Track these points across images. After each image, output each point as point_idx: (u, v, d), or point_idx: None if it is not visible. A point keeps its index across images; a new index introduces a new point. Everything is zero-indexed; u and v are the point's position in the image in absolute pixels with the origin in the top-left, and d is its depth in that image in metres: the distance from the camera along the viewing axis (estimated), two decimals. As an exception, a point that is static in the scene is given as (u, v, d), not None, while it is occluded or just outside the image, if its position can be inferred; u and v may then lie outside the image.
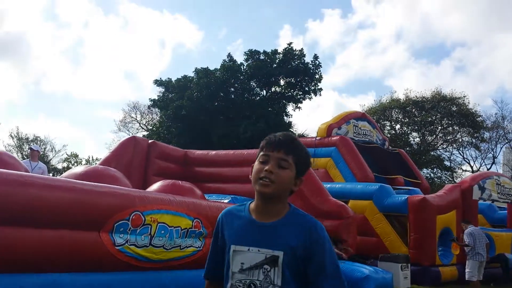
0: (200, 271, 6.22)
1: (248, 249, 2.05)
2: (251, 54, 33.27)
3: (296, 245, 2.03)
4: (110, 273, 5.42)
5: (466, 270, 10.86)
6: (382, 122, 42.07)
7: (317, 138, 17.59)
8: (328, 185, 13.36)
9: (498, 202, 15.65)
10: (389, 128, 43.11)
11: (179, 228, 6.15)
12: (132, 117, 45.85)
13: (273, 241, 2.04)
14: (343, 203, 10.55)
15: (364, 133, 18.72)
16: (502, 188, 14.68)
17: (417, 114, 41.33)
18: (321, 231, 2.10)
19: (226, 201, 10.02)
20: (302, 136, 32.17)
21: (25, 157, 44.78)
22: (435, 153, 43.49)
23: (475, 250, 10.72)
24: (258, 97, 33.79)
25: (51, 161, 46.19)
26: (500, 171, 39.23)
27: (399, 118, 42.66)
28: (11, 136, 47.64)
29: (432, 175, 42.65)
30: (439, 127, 42.28)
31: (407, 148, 38.95)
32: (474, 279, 10.65)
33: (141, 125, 45.88)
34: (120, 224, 5.47)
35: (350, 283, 8.50)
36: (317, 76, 33.46)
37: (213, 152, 13.07)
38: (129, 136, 12.64)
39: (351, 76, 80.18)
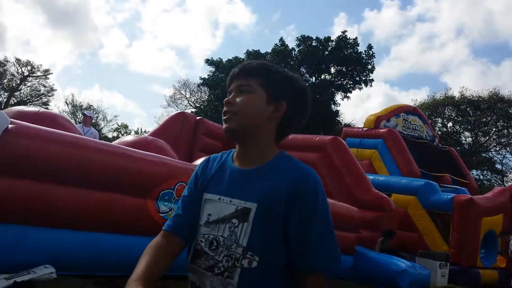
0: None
1: (219, 199, 1.65)
2: (303, 40, 32.98)
3: (275, 197, 1.55)
4: (151, 238, 5.61)
5: None
6: (434, 119, 40.75)
7: (364, 128, 17.32)
8: (371, 177, 13.20)
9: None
10: (440, 125, 41.73)
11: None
12: (182, 94, 46.69)
13: (247, 190, 1.60)
14: (385, 195, 10.41)
15: (414, 128, 18.26)
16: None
17: (471, 113, 39.74)
18: (315, 183, 1.57)
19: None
20: (348, 125, 31.74)
21: (79, 123, 46.78)
22: (486, 155, 41.79)
23: None
24: (307, 84, 33.38)
25: (102, 129, 47.85)
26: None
27: (452, 116, 41.17)
28: (66, 102, 49.72)
29: (481, 177, 41.09)
30: (494, 129, 40.49)
31: (458, 148, 37.61)
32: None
33: (189, 102, 46.66)
34: (166, 193, 5.66)
35: (385, 276, 8.43)
36: (369, 67, 32.80)
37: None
38: (178, 111, 12.92)
39: (405, 69, 77.92)
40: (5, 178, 4.33)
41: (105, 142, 7.27)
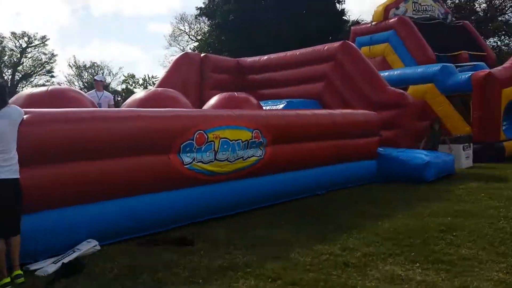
0: (264, 177, 6.62)
1: None
2: None
3: None
4: (183, 190, 5.95)
5: None
6: (444, -9, 38.69)
7: (373, 23, 16.75)
8: (386, 73, 13.05)
9: None
10: (452, -4, 39.65)
11: (240, 140, 6.49)
12: (181, 29, 45.57)
13: None
14: (401, 91, 10.36)
15: (425, 9, 17.45)
16: None
17: (482, -24, 37.38)
18: None
19: (281, 106, 10.22)
20: (357, 23, 30.62)
21: (85, 84, 46.88)
22: (503, 18, 39.86)
23: None
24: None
25: (110, 84, 47.95)
26: None
27: (462, -17, 38.90)
28: (69, 65, 49.58)
29: (499, 43, 39.56)
30: (509, -13, 38.25)
31: (472, 17, 35.95)
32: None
33: (190, 36, 45.63)
34: (186, 144, 5.86)
35: (410, 171, 8.66)
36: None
37: (265, 56, 13.01)
38: (181, 54, 12.82)
39: None
40: (33, 168, 4.50)
41: (119, 109, 7.42)
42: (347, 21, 32.64)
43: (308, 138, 7.70)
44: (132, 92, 34.24)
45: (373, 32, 16.51)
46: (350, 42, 11.73)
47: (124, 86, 49.65)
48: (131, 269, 4.31)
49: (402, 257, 4.45)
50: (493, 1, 38.90)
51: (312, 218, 6.26)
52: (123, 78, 51.27)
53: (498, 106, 11.59)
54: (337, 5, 31.62)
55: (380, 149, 9.28)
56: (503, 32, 38.81)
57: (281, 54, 12.60)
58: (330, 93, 11.07)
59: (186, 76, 12.15)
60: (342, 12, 31.82)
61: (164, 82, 11.65)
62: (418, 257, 4.42)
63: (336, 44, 11.27)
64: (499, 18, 39.14)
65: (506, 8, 39.73)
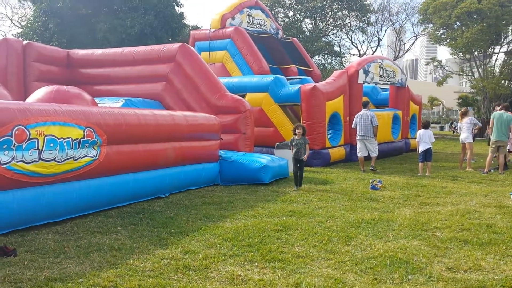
0: (99, 179, 6.13)
1: None
2: None
3: None
4: (2, 192, 5.11)
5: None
6: (276, 10, 41.85)
7: (211, 30, 17.07)
8: (225, 80, 13.41)
9: (380, 84, 16.98)
10: (282, 15, 43.14)
11: (70, 139, 5.85)
12: (2, 13, 40.36)
13: None
14: (240, 98, 10.70)
15: (258, 23, 18.50)
16: (385, 71, 15.83)
17: (309, 0, 41.54)
18: None
19: (119, 104, 9.64)
20: (196, 28, 31.05)
21: None
22: (326, 39, 45.04)
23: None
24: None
25: None
26: (385, 53, 42.13)
27: (292, 4, 42.64)
28: None
29: (323, 61, 44.58)
30: (330, 12, 43.28)
31: (300, 36, 39.69)
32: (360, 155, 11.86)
33: (13, 22, 40.76)
34: (3, 141, 5.05)
35: (249, 174, 9.00)
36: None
37: (99, 51, 12.13)
38: (-1, 38, 11.20)
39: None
40: None
41: None
42: (187, 25, 32.87)
43: (148, 139, 7.36)
44: None
45: (212, 38, 16.85)
46: (189, 45, 11.69)
47: None
48: None
49: (241, 257, 4.51)
50: (318, 23, 43.57)
51: (153, 221, 5.98)
52: None
53: (323, 117, 12.83)
54: (176, 8, 31.62)
55: (221, 152, 9.43)
56: (326, 52, 43.77)
57: (118, 50, 11.89)
58: (171, 94, 10.87)
59: (5, 65, 10.65)
60: (181, 15, 31.93)
61: (-24, 70, 10.03)
62: (256, 256, 4.53)
63: (175, 45, 11.10)
64: (323, 39, 44.03)
65: (329, 30, 44.91)
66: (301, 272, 4.11)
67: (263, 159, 9.25)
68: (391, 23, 47.47)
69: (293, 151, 8.84)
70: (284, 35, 21.35)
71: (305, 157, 8.77)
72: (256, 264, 4.32)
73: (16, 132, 5.19)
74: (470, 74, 39.06)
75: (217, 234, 5.34)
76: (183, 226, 5.73)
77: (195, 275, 4.00)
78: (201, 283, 3.81)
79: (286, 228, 5.66)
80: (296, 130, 8.83)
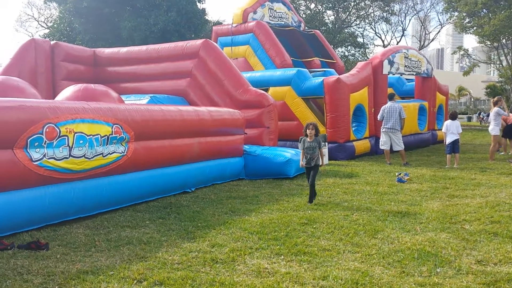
0: (128, 175, 6.27)
1: None
2: None
3: None
4: (34, 189, 5.28)
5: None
6: (298, 2, 41.58)
7: (234, 25, 17.10)
8: (248, 74, 13.43)
9: (405, 75, 16.73)
10: (304, 8, 42.84)
11: (99, 135, 5.99)
12: (29, 14, 41.36)
13: None
14: (263, 92, 10.70)
15: (280, 16, 18.44)
16: (410, 61, 15.57)
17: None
18: None
19: (145, 101, 9.79)
20: (218, 23, 31.13)
21: None
22: (349, 30, 44.52)
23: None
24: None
25: None
26: (409, 43, 41.43)
27: (313, -4, 42.31)
28: None
29: (346, 53, 44.11)
30: (352, 3, 42.73)
31: (323, 28, 39.35)
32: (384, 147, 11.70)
33: (39, 23, 41.67)
34: (34, 138, 5.21)
35: (274, 168, 9.02)
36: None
37: (125, 49, 12.31)
38: (28, 40, 11.46)
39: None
40: None
41: None
42: (209, 21, 33.00)
43: (173, 135, 7.46)
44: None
45: (234, 33, 16.89)
46: (212, 41, 11.76)
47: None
48: (-28, 277, 3.71)
49: (268, 250, 4.54)
50: (340, 15, 43.09)
51: (180, 215, 6.08)
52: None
53: (347, 109, 12.73)
54: (198, 4, 31.77)
55: (246, 147, 9.48)
56: (349, 43, 43.27)
57: (142, 48, 12.05)
58: (195, 90, 10.96)
59: (34, 65, 10.90)
60: (203, 11, 32.08)
61: (8, 70, 10.31)
62: (283, 249, 4.55)
63: (198, 41, 11.18)
64: (346, 30, 43.54)
65: (351, 21, 44.37)
66: (328, 265, 4.12)
67: (287, 153, 9.24)
68: (415, 12, 46.59)
69: (305, 157, 6.91)
70: (306, 28, 21.22)
71: (322, 162, 7.00)
72: (283, 257, 4.34)
73: (47, 129, 5.34)
74: (498, 62, 38.05)
75: (243, 227, 5.39)
76: (210, 220, 5.81)
77: (223, 267, 4.06)
78: (228, 275, 3.86)
79: (311, 221, 5.67)
80: (308, 131, 6.91)
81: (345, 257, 4.34)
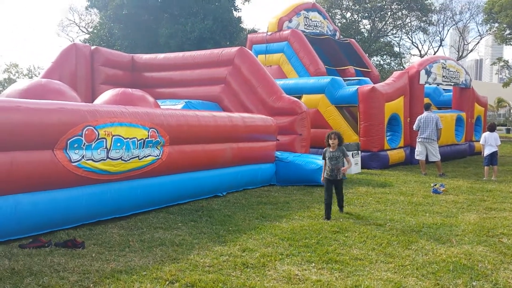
0: (162, 177, 6.39)
1: None
2: None
3: None
4: (72, 189, 5.45)
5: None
6: (333, 11, 41.43)
7: (268, 33, 17.21)
8: (282, 82, 13.46)
9: (442, 85, 16.36)
10: (339, 17, 42.61)
11: (135, 139, 6.13)
12: (70, 20, 42.85)
13: None
14: (296, 99, 10.70)
15: (315, 25, 18.43)
16: (448, 71, 15.23)
17: (367, 0, 40.79)
18: None
19: (180, 106, 9.95)
20: (253, 31, 31.38)
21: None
22: (385, 40, 43.99)
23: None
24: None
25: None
26: (447, 53, 40.58)
27: (349, 5, 42.04)
28: None
29: (382, 62, 43.55)
30: (389, 13, 42.24)
31: (358, 37, 39.04)
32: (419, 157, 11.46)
33: (80, 28, 43.11)
34: (73, 140, 5.38)
35: (304, 175, 8.98)
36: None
37: (162, 55, 12.60)
38: (69, 44, 11.88)
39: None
40: None
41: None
42: (244, 29, 33.29)
43: (207, 140, 7.56)
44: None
45: (269, 41, 17.00)
46: (247, 49, 11.87)
47: (6, 75, 45.56)
48: (13, 272, 3.87)
49: (298, 257, 4.52)
50: (376, 24, 42.65)
51: (212, 219, 6.13)
52: (5, 66, 47.01)
53: (382, 118, 12.56)
54: (234, 12, 32.11)
55: (277, 153, 9.49)
56: (385, 52, 42.73)
57: (179, 54, 12.30)
58: (229, 96, 11.08)
59: (75, 69, 11.28)
60: (239, 19, 32.40)
61: (49, 73, 10.70)
62: (313, 257, 4.51)
63: (234, 49, 11.33)
64: (382, 40, 43.04)
65: (388, 31, 43.83)
66: (360, 274, 4.06)
67: (319, 160, 9.18)
68: (454, 23, 45.57)
69: (328, 168, 6.45)
70: (341, 36, 21.11)
71: (343, 169, 6.47)
72: (313, 264, 4.31)
73: (86, 132, 5.51)
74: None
75: (274, 233, 5.39)
76: (240, 224, 5.84)
77: (253, 272, 4.06)
78: (259, 280, 3.86)
79: (343, 230, 5.61)
80: (330, 141, 6.51)
81: (378, 267, 4.27)
